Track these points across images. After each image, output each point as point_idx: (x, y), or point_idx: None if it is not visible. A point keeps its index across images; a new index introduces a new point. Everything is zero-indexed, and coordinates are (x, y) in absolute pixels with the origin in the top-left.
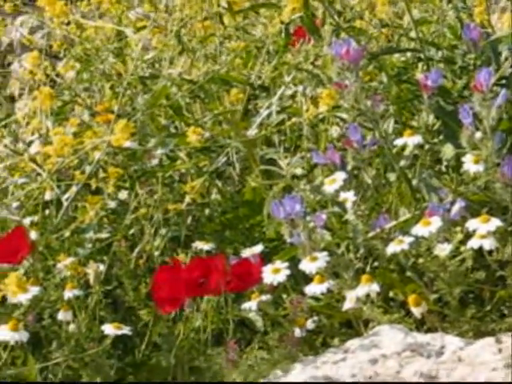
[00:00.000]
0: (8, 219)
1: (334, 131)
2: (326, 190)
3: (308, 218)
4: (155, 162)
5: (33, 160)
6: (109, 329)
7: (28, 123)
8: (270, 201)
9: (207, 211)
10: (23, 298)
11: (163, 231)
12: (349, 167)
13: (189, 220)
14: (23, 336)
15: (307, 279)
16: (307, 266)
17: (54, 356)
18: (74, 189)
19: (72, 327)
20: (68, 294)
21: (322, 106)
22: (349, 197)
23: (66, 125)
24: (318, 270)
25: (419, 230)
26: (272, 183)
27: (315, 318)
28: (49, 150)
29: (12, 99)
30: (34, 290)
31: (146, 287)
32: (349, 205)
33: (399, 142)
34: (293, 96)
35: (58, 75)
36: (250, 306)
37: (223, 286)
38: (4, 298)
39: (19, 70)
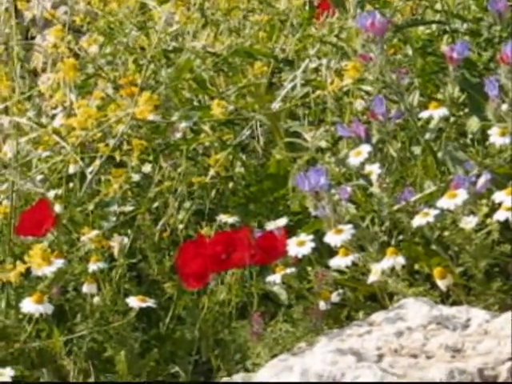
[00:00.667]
0: (32, 192)
1: (359, 104)
2: (350, 162)
3: (333, 191)
4: (178, 135)
5: (57, 133)
6: (133, 301)
7: (51, 96)
8: (295, 173)
9: (231, 184)
10: (48, 271)
11: (187, 204)
12: (373, 140)
13: (212, 193)
14: (48, 308)
15: (331, 252)
16: (332, 238)
17: (78, 329)
18: (97, 162)
19: (97, 300)
20: (92, 266)
21: (347, 78)
22: (374, 169)
23: (90, 98)
24: (343, 243)
25: (445, 202)
26: (297, 156)
27: (340, 291)
28: (73, 122)
29: (35, 73)
30: (59, 263)
31: (170, 260)
32: (374, 177)
33: (424, 114)
34: (317, 69)
35: (80, 49)
36: (275, 279)
37: (248, 260)
38: (28, 271)
39: (43, 44)
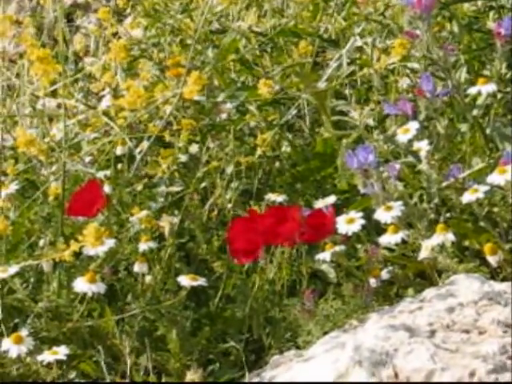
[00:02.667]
0: (80, 174)
1: (404, 82)
2: (399, 139)
3: (381, 169)
4: (224, 115)
5: (106, 114)
6: (184, 280)
7: (97, 78)
8: (344, 151)
9: (278, 164)
10: (100, 251)
11: (235, 184)
12: (421, 117)
13: (260, 173)
14: (100, 288)
15: (379, 230)
16: (382, 215)
17: (130, 308)
18: (145, 143)
19: (148, 279)
20: (143, 246)
21: (394, 55)
22: (422, 146)
23: (136, 80)
24: (392, 220)
25: (494, 178)
26: (345, 134)
27: (389, 268)
28: (122, 103)
29: (77, 56)
30: (110, 243)
31: (219, 240)
32: (422, 154)
33: (473, 90)
34: (361, 48)
35: (124, 32)
36: (324, 256)
37: (297, 235)
38: (78, 252)
39: (87, 26)
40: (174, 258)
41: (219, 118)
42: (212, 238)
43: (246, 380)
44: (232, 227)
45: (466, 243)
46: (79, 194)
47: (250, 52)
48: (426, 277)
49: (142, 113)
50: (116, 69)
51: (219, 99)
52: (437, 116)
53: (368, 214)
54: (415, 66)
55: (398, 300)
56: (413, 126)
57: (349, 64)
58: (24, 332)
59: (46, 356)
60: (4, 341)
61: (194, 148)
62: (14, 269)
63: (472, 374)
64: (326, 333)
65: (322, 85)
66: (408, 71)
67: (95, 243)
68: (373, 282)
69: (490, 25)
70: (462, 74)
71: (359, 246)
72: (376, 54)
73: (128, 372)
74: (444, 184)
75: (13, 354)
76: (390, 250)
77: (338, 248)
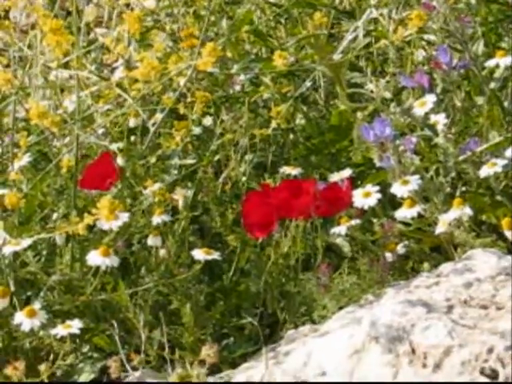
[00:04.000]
0: (94, 146)
1: (420, 54)
2: (415, 112)
3: (397, 142)
4: (237, 87)
5: (119, 85)
6: (198, 254)
7: (111, 50)
8: (359, 124)
9: (292, 137)
10: (114, 225)
11: (249, 157)
12: (438, 90)
13: (274, 146)
14: (114, 261)
15: (395, 204)
16: (399, 189)
17: (143, 282)
18: (159, 115)
19: (162, 252)
20: (156, 219)
21: (411, 27)
22: (439, 119)
23: (150, 51)
24: (409, 194)
25: None
26: (361, 107)
27: (405, 242)
28: (136, 75)
29: (90, 27)
30: (124, 216)
31: (233, 213)
32: (440, 127)
33: (491, 63)
34: (376, 20)
35: (137, 4)
36: (340, 230)
37: (313, 208)
38: (91, 225)
39: None
40: (187, 232)
41: (233, 90)
42: (226, 212)
43: (263, 353)
44: (246, 201)
45: (483, 217)
46: (92, 166)
47: (264, 23)
48: (442, 251)
49: (155, 84)
50: (129, 40)
51: (233, 71)
52: (454, 89)
53: (384, 187)
54: (432, 38)
55: (414, 275)
56: (429, 99)
57: (364, 36)
58: (37, 305)
59: (60, 330)
60: (17, 314)
61: (207, 120)
62: (26, 242)
63: (490, 351)
64: (341, 308)
65: (337, 57)
66: (424, 43)
67: (109, 217)
68: (388, 256)
69: None
70: (480, 47)
71: (375, 220)
72: (392, 26)
73: (142, 346)
74: (461, 158)
75: (26, 327)
76: (406, 224)
77: (353, 222)
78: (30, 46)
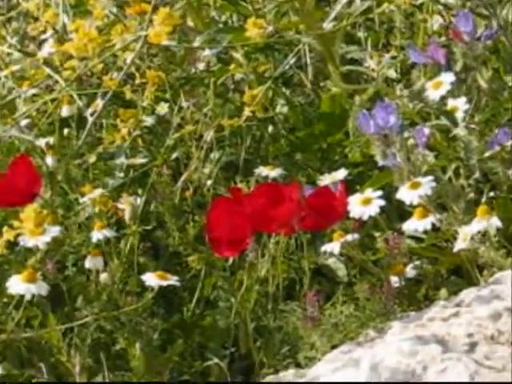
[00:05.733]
0: (16, 141)
1: (435, 22)
2: (428, 96)
3: (406, 134)
4: (201, 65)
5: (47, 63)
6: (151, 279)
7: (36, 17)
8: (357, 112)
9: (271, 128)
10: (41, 241)
11: (216, 155)
12: (457, 67)
13: (248, 140)
14: (42, 288)
15: (402, 214)
16: (407, 194)
17: (80, 315)
18: (99, 101)
19: (103, 278)
20: (97, 235)
21: None
22: (459, 105)
23: (88, 19)
24: (421, 200)
25: None
26: (359, 89)
27: (416, 263)
28: (68, 49)
29: None
30: (54, 231)
31: (195, 227)
32: (460, 115)
33: None
34: None
35: None
36: (332, 248)
37: (297, 223)
38: (13, 243)
39: None
40: (137, 251)
41: (195, 68)
42: (186, 225)
43: None
44: (212, 210)
45: None
46: (6, 176)
47: None
48: (463, 274)
49: (94, 62)
50: (61, 5)
51: (195, 44)
52: (478, 66)
53: (388, 192)
54: (450, 0)
55: (428, 304)
56: (446, 79)
57: None
58: None
59: None
60: None
61: (162, 108)
62: None
63: None
64: (334, 347)
65: (328, 25)
66: (440, 7)
67: (35, 231)
68: (395, 280)
69: None
70: (510, 12)
71: (377, 234)
72: None
73: None
74: (487, 154)
75: None
76: (417, 239)
77: (349, 237)
78: None
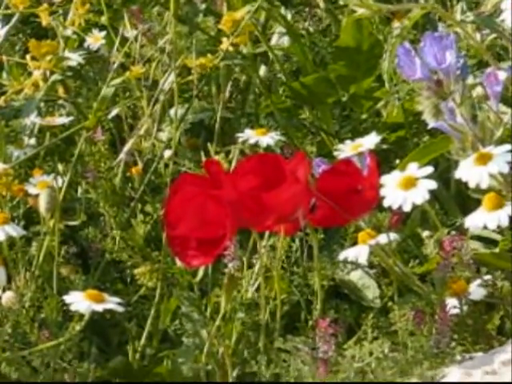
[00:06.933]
0: None
1: None
2: (505, 20)
3: (471, 80)
4: None
5: None
6: (79, 301)
7: None
8: (396, 45)
9: (264, 70)
10: None
11: (178, 111)
12: None
13: (228, 89)
14: None
15: (465, 204)
16: (471, 172)
17: None
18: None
19: (6, 298)
20: None
21: None
22: None
23: None
24: (493, 182)
25: None
26: (399, 9)
27: (485, 277)
28: None
29: None
30: None
31: (146, 222)
32: None
33: None
34: None
35: None
36: (356, 255)
37: (303, 215)
38: None
39: None
40: (57, 258)
41: None
42: (132, 219)
43: None
44: (173, 196)
45: None
46: None
47: None
48: None
49: None
50: None
51: None
52: None
53: (443, 170)
54: None
55: (503, 340)
56: None
57: None
58: None
59: None
60: None
61: (96, 39)
62: None
63: None
64: None
65: None
66: None
67: None
68: (453, 303)
69: None
70: None
71: (425, 233)
72: None
73: None
74: None
75: None
76: (488, 241)
77: (383, 238)
78: None
